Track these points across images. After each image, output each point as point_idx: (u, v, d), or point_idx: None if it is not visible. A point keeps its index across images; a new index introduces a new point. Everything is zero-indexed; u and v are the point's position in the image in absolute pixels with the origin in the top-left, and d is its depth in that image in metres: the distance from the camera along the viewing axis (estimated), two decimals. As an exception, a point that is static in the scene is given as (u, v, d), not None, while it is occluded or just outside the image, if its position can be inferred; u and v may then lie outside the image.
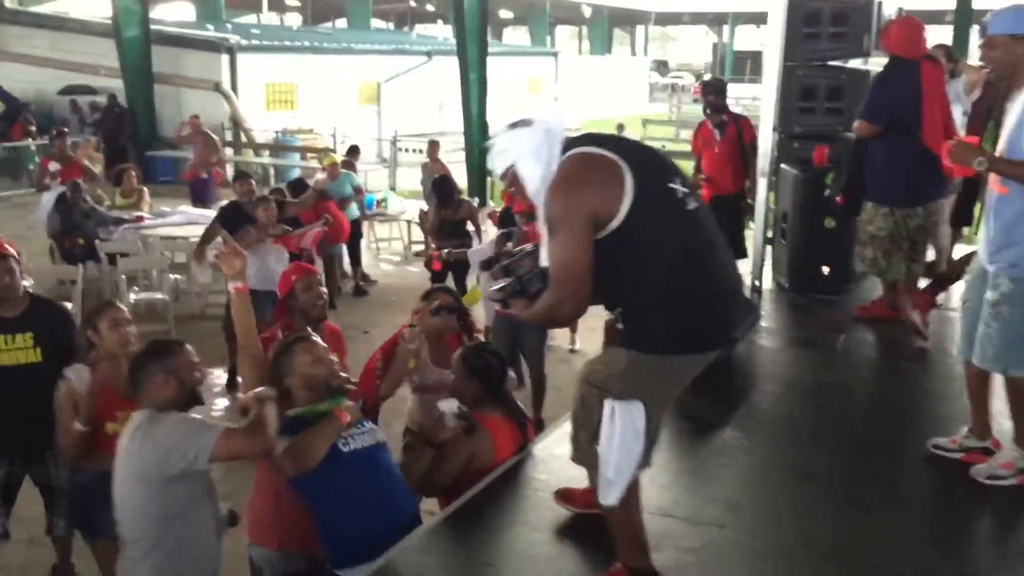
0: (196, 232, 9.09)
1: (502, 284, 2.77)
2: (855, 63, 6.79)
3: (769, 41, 6.45)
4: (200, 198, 11.98)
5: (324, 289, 4.35)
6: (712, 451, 4.18)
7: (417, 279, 9.47)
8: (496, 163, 2.65)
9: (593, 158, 2.56)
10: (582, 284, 2.54)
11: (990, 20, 3.50)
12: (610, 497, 2.73)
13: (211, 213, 8.97)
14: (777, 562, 3.23)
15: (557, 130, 2.61)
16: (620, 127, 17.87)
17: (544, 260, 2.60)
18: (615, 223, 2.49)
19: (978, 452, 3.75)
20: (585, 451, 2.80)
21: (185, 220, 10.06)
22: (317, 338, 3.45)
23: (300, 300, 4.17)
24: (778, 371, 5.27)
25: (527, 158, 2.57)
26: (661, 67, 48.28)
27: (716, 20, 49.38)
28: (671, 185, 2.60)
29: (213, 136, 13.25)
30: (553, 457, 3.85)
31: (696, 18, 50.62)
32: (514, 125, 2.66)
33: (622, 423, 2.64)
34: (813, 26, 6.39)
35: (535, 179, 2.56)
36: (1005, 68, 3.51)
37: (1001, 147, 3.52)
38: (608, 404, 2.65)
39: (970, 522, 3.58)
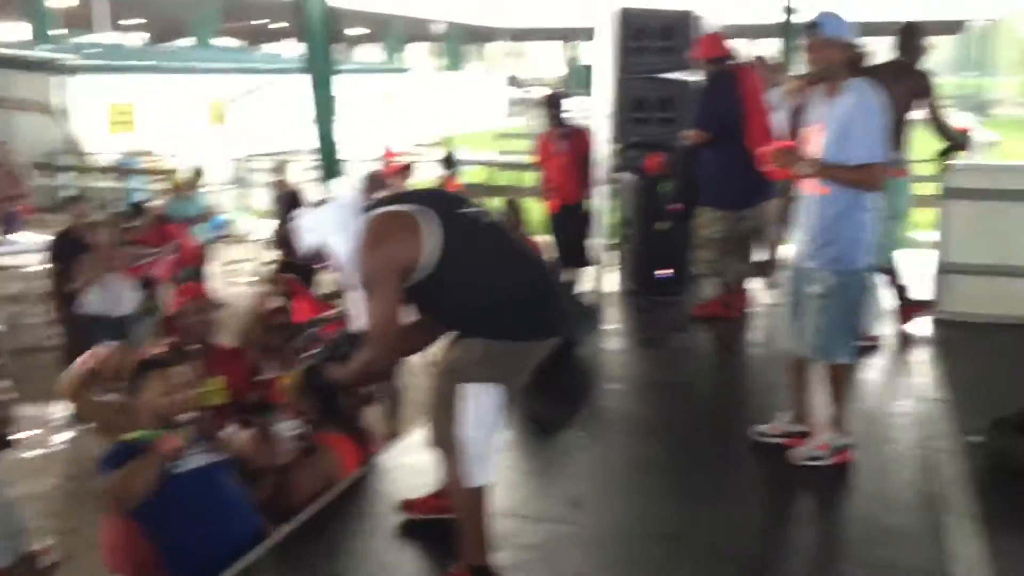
0: (30, 261, 8.69)
1: (311, 353, 2.98)
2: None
3: (600, 55, 6.73)
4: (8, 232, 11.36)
5: (212, 316, 4.33)
6: (557, 451, 4.31)
7: (270, 300, 9.29)
8: (305, 242, 2.88)
9: (388, 215, 2.82)
10: (396, 336, 2.80)
11: (821, 21, 3.69)
12: (477, 477, 2.87)
13: (46, 238, 8.56)
14: (616, 550, 3.37)
15: (352, 201, 2.88)
16: (447, 140, 17.96)
17: (359, 321, 2.80)
18: (428, 263, 2.73)
19: (797, 436, 4.01)
20: (445, 435, 2.91)
21: (19, 249, 9.57)
22: (186, 367, 3.38)
23: (187, 322, 4.16)
24: (620, 371, 5.47)
25: (332, 232, 2.81)
26: (515, 82, 49.00)
27: (568, 35, 50.58)
28: (462, 211, 2.88)
29: (15, 167, 12.39)
30: (398, 467, 3.89)
31: (548, 34, 51.70)
32: (315, 206, 2.96)
33: (482, 404, 2.83)
34: (641, 40, 6.67)
35: (342, 249, 2.78)
36: (833, 68, 3.71)
37: (816, 150, 3.76)
38: (469, 388, 2.83)
39: (792, 501, 3.83)
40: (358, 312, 2.78)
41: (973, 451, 3.90)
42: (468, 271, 2.79)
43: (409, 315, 2.86)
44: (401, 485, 3.65)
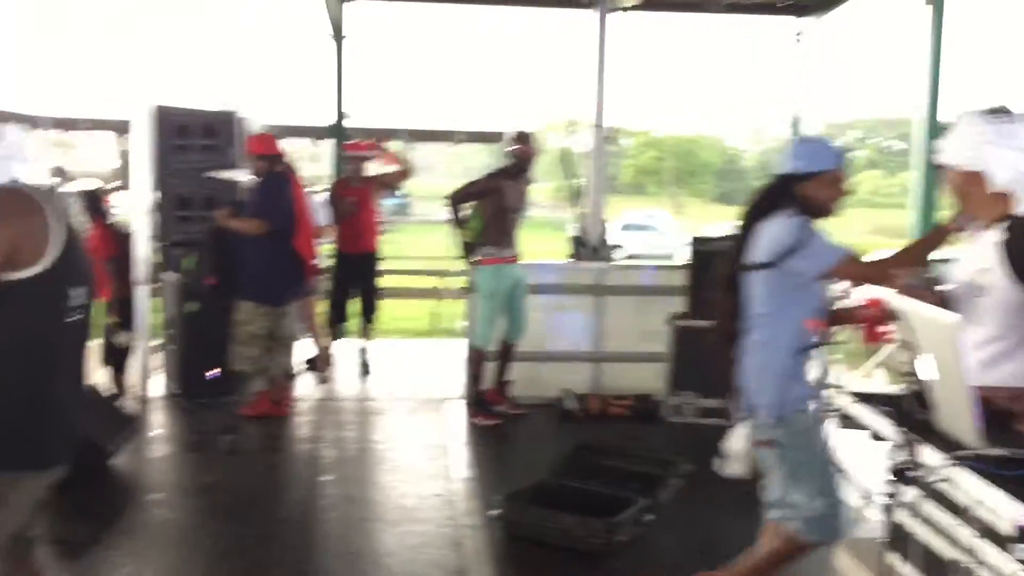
0: None
1: None
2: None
3: (137, 152, 6.56)
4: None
5: None
6: (83, 574, 3.96)
7: None
8: None
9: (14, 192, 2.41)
10: None
11: None
12: None
13: None
14: None
15: None
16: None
17: None
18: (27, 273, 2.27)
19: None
20: None
21: None
22: None
23: None
24: (162, 478, 5.20)
25: None
26: (60, 173, 45.31)
27: (120, 127, 47.86)
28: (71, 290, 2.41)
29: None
30: None
31: (98, 124, 48.67)
32: None
33: None
34: (184, 137, 6.60)
35: None
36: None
37: None
38: None
39: None
40: None
41: (493, 524, 4.25)
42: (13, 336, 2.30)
43: None
44: None
